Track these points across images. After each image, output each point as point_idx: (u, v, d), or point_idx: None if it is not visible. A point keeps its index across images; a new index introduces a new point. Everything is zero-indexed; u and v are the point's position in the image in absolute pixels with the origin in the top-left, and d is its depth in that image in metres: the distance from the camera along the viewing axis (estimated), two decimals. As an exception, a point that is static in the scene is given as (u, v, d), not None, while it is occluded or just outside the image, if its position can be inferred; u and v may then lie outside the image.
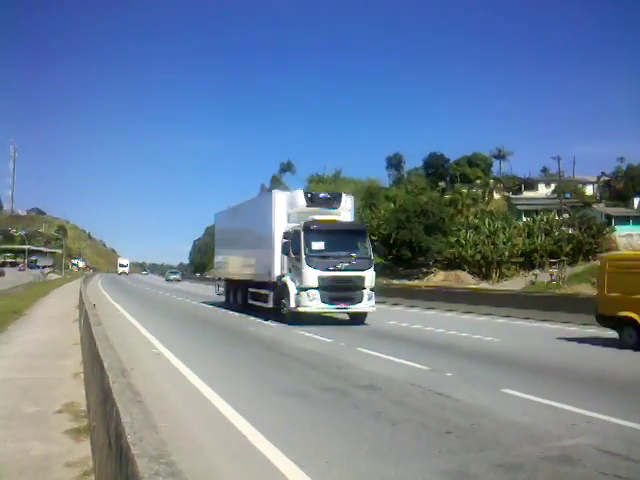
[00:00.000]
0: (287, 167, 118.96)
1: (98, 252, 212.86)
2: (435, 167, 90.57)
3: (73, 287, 43.39)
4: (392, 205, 68.33)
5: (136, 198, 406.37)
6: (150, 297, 37.54)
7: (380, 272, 58.87)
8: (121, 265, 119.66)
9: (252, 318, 19.63)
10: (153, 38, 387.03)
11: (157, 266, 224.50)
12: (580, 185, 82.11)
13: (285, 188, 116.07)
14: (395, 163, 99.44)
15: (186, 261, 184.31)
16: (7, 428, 6.19)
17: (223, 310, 23.62)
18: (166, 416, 6.43)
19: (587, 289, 37.57)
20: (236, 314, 21.61)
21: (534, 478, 4.72)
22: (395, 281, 52.77)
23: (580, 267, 49.51)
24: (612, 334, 13.75)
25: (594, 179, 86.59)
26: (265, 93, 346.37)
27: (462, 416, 6.67)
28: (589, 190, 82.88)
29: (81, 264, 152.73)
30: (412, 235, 54.16)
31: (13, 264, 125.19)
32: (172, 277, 77.31)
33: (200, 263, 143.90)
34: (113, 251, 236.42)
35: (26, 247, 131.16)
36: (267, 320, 18.37)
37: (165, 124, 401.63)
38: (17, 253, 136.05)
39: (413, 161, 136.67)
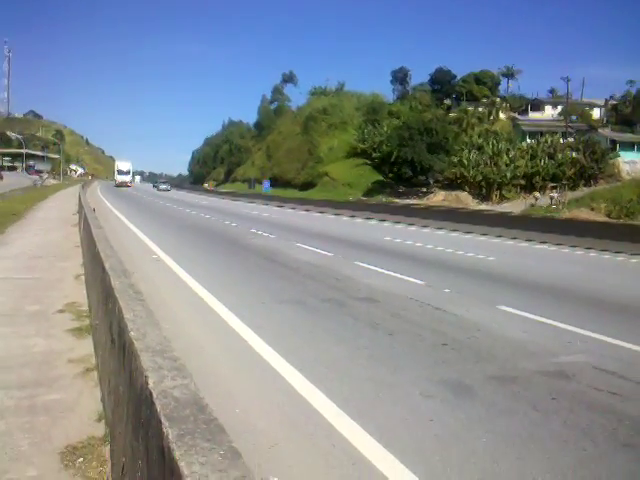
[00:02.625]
0: (289, 78, 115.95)
1: (97, 159, 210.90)
2: (441, 83, 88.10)
3: (72, 192, 43.27)
4: (395, 121, 67.08)
5: (136, 105, 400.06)
6: (149, 205, 37.48)
7: (380, 190, 58.75)
8: (120, 172, 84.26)
9: (253, 230, 19.67)
10: None
11: (155, 176, 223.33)
12: (587, 108, 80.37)
13: (287, 100, 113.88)
14: (400, 77, 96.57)
15: (185, 172, 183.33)
16: (9, 325, 6.26)
17: (218, 219, 23.63)
18: (167, 319, 6.50)
19: (586, 214, 37.62)
20: (234, 224, 21.65)
21: (528, 391, 4.80)
22: (396, 199, 52.69)
23: (581, 192, 49.30)
24: (610, 256, 13.78)
25: (602, 102, 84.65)
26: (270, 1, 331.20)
27: (459, 330, 6.76)
28: (596, 114, 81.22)
29: (80, 170, 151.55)
30: (414, 153, 53.42)
31: (11, 168, 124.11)
32: (162, 187, 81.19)
33: (199, 173, 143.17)
34: (112, 158, 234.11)
35: (23, 151, 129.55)
36: None
37: (167, 29, 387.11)
38: (14, 157, 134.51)
39: (419, 76, 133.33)
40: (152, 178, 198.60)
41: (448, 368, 5.31)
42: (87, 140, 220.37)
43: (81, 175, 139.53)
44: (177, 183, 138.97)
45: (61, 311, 6.97)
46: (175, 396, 2.04)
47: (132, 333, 2.85)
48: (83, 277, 9.00)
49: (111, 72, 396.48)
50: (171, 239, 16.36)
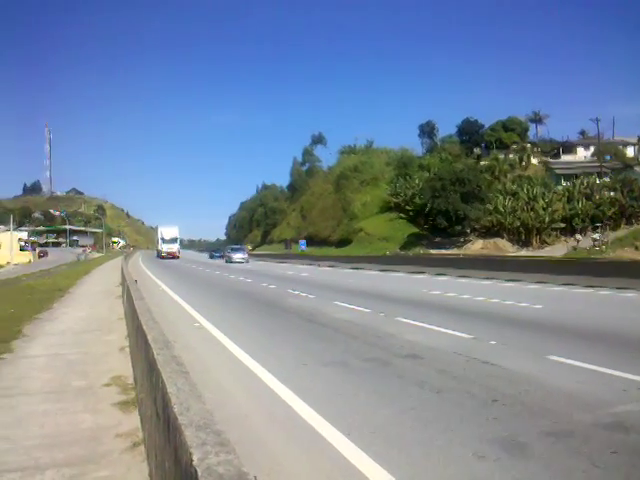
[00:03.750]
0: (319, 139, 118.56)
1: (137, 230, 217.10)
2: (469, 133, 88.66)
3: (114, 265, 44.31)
4: (426, 174, 67.44)
5: (173, 175, 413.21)
6: (188, 272, 38.06)
7: (416, 242, 58.56)
8: (164, 240, 71.03)
9: (291, 290, 19.72)
10: (187, 20, 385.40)
11: (194, 242, 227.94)
12: (620, 147, 79.59)
13: (317, 161, 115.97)
14: (428, 131, 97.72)
15: (222, 237, 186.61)
16: (57, 402, 6.33)
17: (255, 281, 23.80)
18: (210, 387, 6.50)
19: (631, 253, 36.61)
20: (272, 286, 21.76)
21: (587, 445, 4.58)
22: (433, 251, 52.36)
23: (623, 231, 48.18)
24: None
25: (635, 140, 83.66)
26: (296, 67, 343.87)
27: (509, 384, 6.54)
28: (630, 152, 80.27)
29: (121, 242, 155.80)
30: (448, 204, 53.40)
31: (55, 244, 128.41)
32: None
33: (236, 237, 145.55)
34: (152, 229, 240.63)
35: (67, 227, 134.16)
36: None
37: (198, 100, 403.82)
38: (58, 233, 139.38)
39: (446, 128, 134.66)
40: (192, 245, 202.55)
41: (500, 425, 5.12)
42: (127, 213, 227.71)
43: (123, 247, 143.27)
44: (215, 248, 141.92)
45: (107, 385, 7.02)
46: (220, 473, 2.01)
47: (175, 407, 2.85)
48: (128, 349, 9.11)
49: (149, 145, 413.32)
50: (212, 304, 16.50)
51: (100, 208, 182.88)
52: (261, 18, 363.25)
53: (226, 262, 52.20)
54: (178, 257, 70.53)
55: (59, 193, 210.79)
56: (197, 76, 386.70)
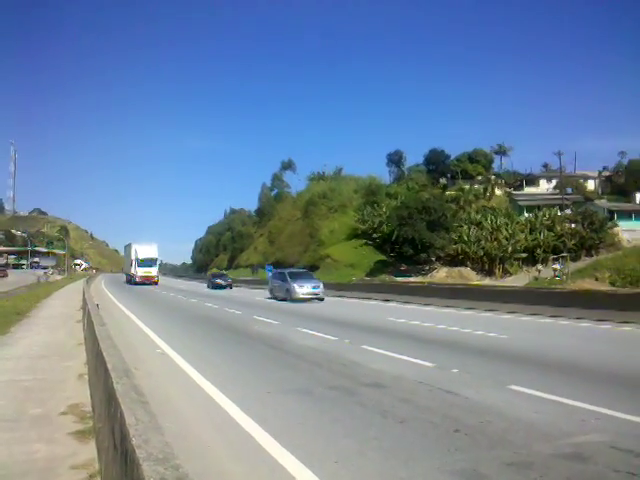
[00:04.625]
0: (288, 165, 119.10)
1: (101, 252, 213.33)
2: (436, 163, 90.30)
3: (76, 288, 43.38)
4: (394, 202, 68.27)
5: (139, 198, 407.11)
6: (150, 295, 37.51)
7: (382, 269, 58.91)
8: (141, 262, 57.61)
9: (256, 317, 19.58)
10: (155, 45, 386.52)
11: (161, 266, 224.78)
12: (582, 180, 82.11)
13: (286, 186, 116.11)
14: (396, 160, 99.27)
15: (189, 261, 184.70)
16: (11, 430, 6.12)
17: (221, 306, 23.58)
18: (171, 417, 6.38)
19: (591, 284, 37.46)
20: (238, 312, 21.59)
21: (546, 476, 4.63)
22: (399, 278, 52.71)
23: (583, 262, 49.39)
24: (627, 329, 13.57)
25: (595, 174, 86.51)
26: (267, 93, 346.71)
27: (470, 414, 6.59)
28: (591, 185, 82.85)
29: (84, 264, 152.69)
30: (414, 232, 54.03)
31: (16, 266, 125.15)
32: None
33: (202, 262, 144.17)
34: (116, 251, 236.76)
35: (28, 248, 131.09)
36: None
37: (167, 125, 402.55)
38: (20, 254, 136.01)
39: (414, 158, 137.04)
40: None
41: (462, 456, 5.14)
42: (91, 234, 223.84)
43: (85, 269, 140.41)
44: (180, 272, 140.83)
45: (64, 413, 6.83)
46: (177, 509, 1.99)
47: (134, 440, 2.80)
48: (86, 376, 8.89)
49: (114, 167, 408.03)
50: (175, 330, 16.27)
51: (63, 229, 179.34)
52: (231, 42, 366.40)
53: (275, 298, 31.07)
54: (156, 283, 57.26)
55: (22, 213, 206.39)
56: (167, 99, 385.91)
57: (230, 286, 48.33)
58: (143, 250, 58.74)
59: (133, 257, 58.65)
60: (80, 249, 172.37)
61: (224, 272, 65.25)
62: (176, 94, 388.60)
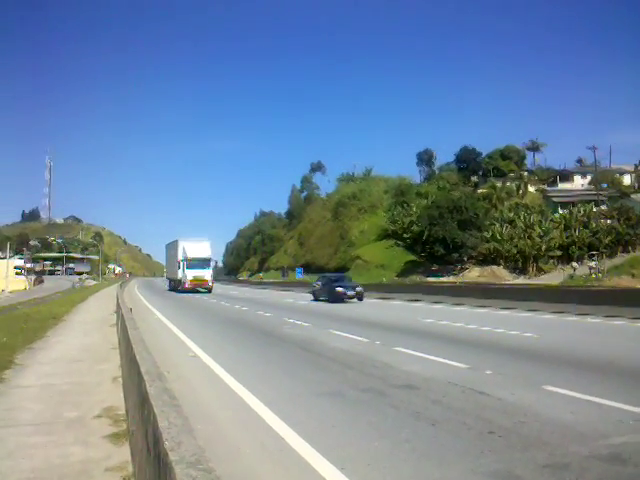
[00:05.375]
0: (317, 167, 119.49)
1: (134, 257, 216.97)
2: (467, 162, 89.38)
3: (110, 293, 44.13)
4: (424, 202, 67.79)
5: (171, 202, 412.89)
6: (182, 299, 37.95)
7: (413, 270, 58.54)
8: (187, 262, 47.05)
9: (287, 319, 19.64)
10: (180, 49, 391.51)
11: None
12: (617, 175, 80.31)
13: (316, 188, 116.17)
14: (426, 159, 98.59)
15: (220, 264, 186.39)
16: (47, 434, 6.24)
17: (251, 309, 23.71)
18: (203, 420, 6.43)
19: (628, 281, 36.60)
20: (268, 314, 21.68)
21: (582, 478, 4.53)
22: (430, 279, 52.30)
23: (620, 259, 48.26)
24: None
25: (632, 168, 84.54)
26: (296, 95, 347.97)
27: (504, 415, 6.49)
28: (627, 180, 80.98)
29: (118, 269, 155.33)
30: (445, 231, 53.55)
31: (51, 272, 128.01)
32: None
33: (233, 266, 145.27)
34: (149, 256, 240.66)
35: (63, 254, 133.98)
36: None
37: (197, 127, 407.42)
38: (55, 260, 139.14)
39: (444, 156, 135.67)
40: None
41: (496, 458, 5.06)
42: (125, 240, 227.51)
43: (119, 274, 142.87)
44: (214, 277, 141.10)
45: (99, 416, 6.94)
46: (208, 512, 1.99)
47: (167, 443, 2.82)
48: (120, 379, 9.03)
49: (148, 172, 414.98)
50: (207, 333, 16.40)
51: (98, 235, 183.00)
52: (260, 43, 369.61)
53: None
54: (210, 290, 47.20)
55: (57, 220, 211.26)
56: (197, 103, 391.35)
57: (360, 297, 30.42)
58: (193, 248, 47.72)
59: (180, 257, 48.10)
60: (114, 254, 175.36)
61: (345, 275, 38.53)
62: (207, 99, 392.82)
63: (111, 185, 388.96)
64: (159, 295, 44.42)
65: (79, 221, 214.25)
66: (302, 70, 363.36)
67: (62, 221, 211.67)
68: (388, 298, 32.25)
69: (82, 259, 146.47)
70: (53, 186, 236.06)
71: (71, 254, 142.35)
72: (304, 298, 35.39)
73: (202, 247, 48.66)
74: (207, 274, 47.46)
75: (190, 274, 46.49)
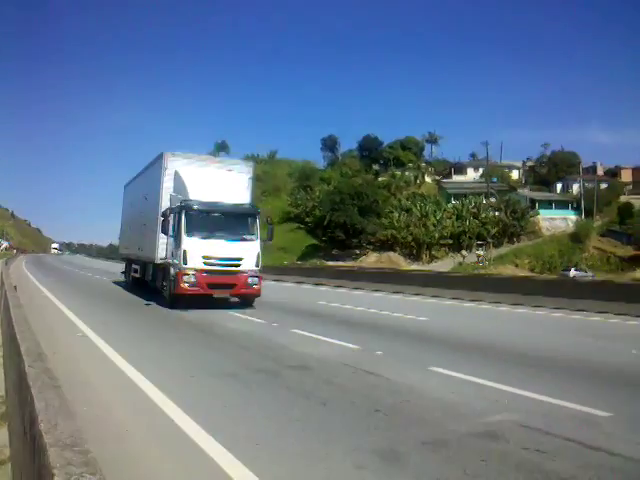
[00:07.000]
0: (222, 147, 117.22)
1: (23, 232, 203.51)
2: (369, 150, 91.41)
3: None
4: (327, 187, 68.69)
5: (61, 175, 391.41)
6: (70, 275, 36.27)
7: (314, 254, 59.29)
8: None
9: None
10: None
11: (85, 247, 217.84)
12: (507, 170, 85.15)
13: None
14: (330, 145, 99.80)
15: (116, 241, 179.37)
16: None
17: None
18: (90, 401, 6.21)
19: (511, 270, 39.14)
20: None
21: (459, 454, 4.82)
22: (329, 262, 53.18)
23: (505, 249, 51.45)
24: (534, 311, 14.27)
25: (520, 164, 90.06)
26: (203, 69, 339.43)
27: (391, 394, 6.77)
28: (515, 175, 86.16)
29: (4, 244, 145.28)
30: (346, 217, 54.67)
31: None
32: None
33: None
34: (39, 231, 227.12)
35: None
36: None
37: (92, 103, 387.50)
38: None
39: (348, 143, 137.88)
40: (81, 249, 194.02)
41: (380, 436, 5.28)
42: (12, 213, 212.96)
43: (5, 249, 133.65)
44: (107, 254, 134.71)
45: (-25, 398, 6.53)
46: (82, 494, 1.95)
47: (42, 425, 2.71)
48: (1, 360, 8.51)
49: (32, 143, 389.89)
50: (99, 314, 15.78)
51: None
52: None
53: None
54: (251, 298, 17.30)
55: None
56: (80, 72, 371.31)
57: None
58: (205, 180, 17.09)
59: (166, 201, 17.57)
60: (0, 228, 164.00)
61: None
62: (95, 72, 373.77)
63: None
64: (45, 270, 42.15)
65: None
66: (210, 47, 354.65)
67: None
68: (287, 281, 32.48)
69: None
70: None
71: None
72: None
73: (229, 180, 17.79)
74: (247, 254, 16.62)
75: (197, 251, 15.94)
